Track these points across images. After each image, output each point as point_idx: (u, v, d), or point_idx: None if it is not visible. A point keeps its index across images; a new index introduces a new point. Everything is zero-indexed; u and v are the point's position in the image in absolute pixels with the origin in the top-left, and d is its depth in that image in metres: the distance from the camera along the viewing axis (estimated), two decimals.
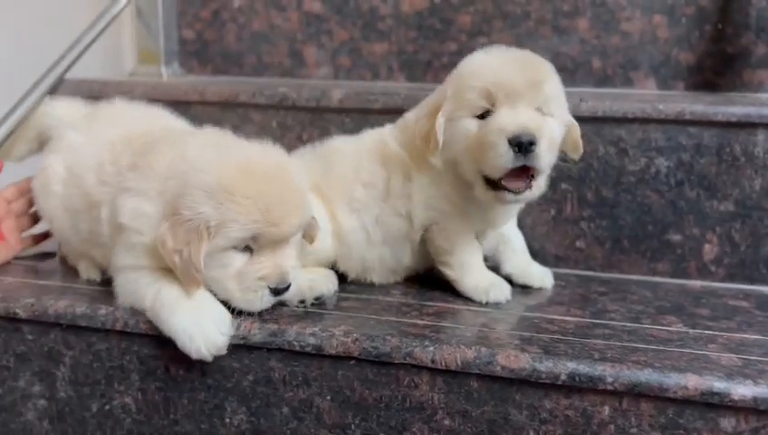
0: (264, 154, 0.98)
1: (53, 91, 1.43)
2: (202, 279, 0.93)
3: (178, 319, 0.94)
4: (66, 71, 1.43)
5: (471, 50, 1.68)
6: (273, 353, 0.96)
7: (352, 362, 0.94)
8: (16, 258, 1.23)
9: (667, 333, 0.97)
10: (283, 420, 0.97)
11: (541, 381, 0.87)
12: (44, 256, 1.25)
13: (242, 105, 1.37)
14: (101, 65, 1.79)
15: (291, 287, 0.97)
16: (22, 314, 1.03)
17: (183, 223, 0.91)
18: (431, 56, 1.69)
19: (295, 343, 0.94)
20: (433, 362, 0.90)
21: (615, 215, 1.24)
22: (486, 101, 1.00)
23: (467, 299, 1.09)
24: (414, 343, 0.91)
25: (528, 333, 0.95)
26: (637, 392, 0.85)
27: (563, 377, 0.87)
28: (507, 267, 1.18)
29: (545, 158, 0.98)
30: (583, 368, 0.86)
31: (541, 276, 1.17)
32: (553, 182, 1.25)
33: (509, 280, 1.14)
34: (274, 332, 0.95)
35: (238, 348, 0.97)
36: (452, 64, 1.69)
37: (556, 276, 1.23)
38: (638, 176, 1.22)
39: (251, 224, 0.91)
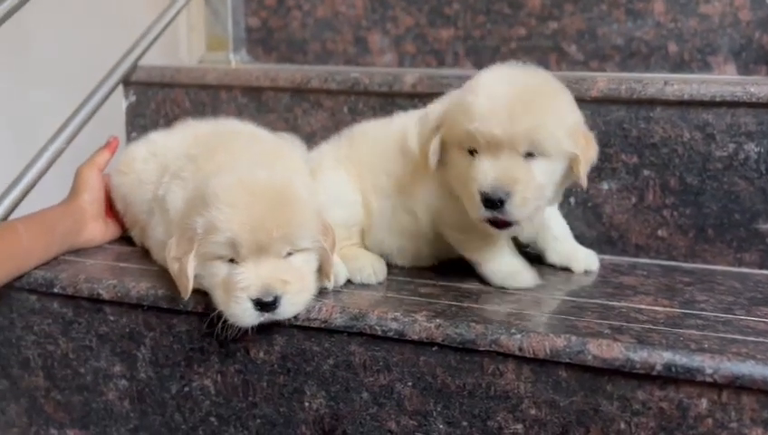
0: (272, 173, 0.96)
1: (127, 77, 1.46)
2: (191, 288, 0.94)
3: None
4: (140, 57, 1.45)
5: (541, 35, 1.66)
6: (353, 338, 0.95)
7: (435, 348, 0.92)
8: None
9: (764, 325, 0.93)
10: (363, 405, 0.96)
11: (634, 371, 0.84)
12: (121, 240, 1.27)
13: (313, 91, 1.36)
14: (156, 54, 1.81)
15: (282, 303, 0.92)
16: (105, 295, 1.05)
17: (184, 233, 0.94)
18: (499, 41, 1.66)
19: (377, 327, 0.93)
20: (520, 350, 0.88)
21: (700, 203, 1.19)
22: (471, 141, 0.97)
23: (551, 287, 1.06)
24: (500, 331, 0.89)
25: (617, 323, 0.92)
26: (738, 385, 0.81)
27: (659, 367, 0.83)
28: (551, 255, 1.15)
29: (518, 212, 0.95)
30: (680, 358, 0.83)
31: (586, 261, 1.14)
32: (635, 169, 1.21)
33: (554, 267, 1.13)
34: (356, 315, 0.94)
35: (319, 331, 0.96)
36: (521, 50, 1.67)
37: (636, 266, 1.19)
38: (725, 162, 1.17)
39: (228, 231, 0.90)
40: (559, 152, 0.98)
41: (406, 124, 1.13)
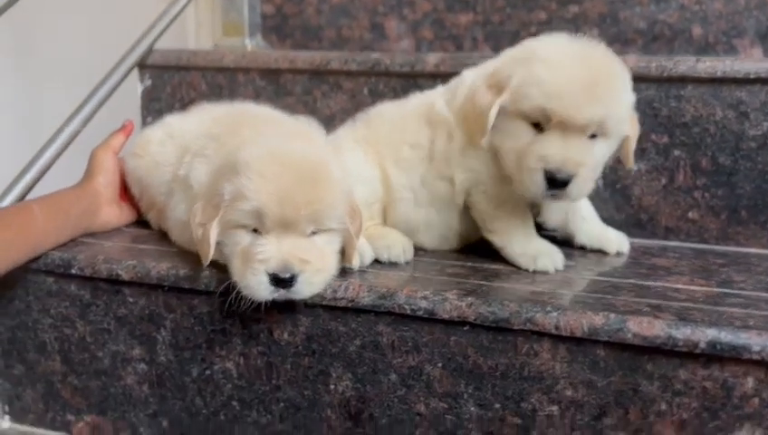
0: (306, 148, 0.94)
1: (143, 61, 1.43)
2: (211, 253, 0.92)
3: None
4: (156, 41, 1.42)
5: (561, 19, 1.63)
6: (381, 317, 0.92)
7: (466, 327, 0.89)
8: None
9: None
10: (391, 387, 0.93)
11: (677, 349, 0.81)
12: (137, 223, 1.24)
13: (333, 72, 1.34)
14: (162, 42, 1.79)
15: (299, 282, 0.89)
16: (124, 275, 1.02)
17: (210, 199, 0.92)
18: (519, 26, 1.64)
19: (406, 306, 0.90)
20: (557, 328, 0.85)
21: (732, 183, 1.16)
22: (541, 116, 0.95)
23: (580, 268, 1.03)
24: (535, 308, 0.86)
25: (655, 301, 0.89)
26: None
27: (702, 345, 0.80)
28: (581, 237, 1.13)
29: (577, 192, 0.96)
30: (725, 335, 0.80)
31: (618, 241, 1.12)
32: (665, 149, 1.18)
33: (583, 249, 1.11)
34: (384, 294, 0.91)
35: (345, 311, 0.93)
36: (541, 34, 1.64)
37: (667, 249, 1.16)
38: (759, 141, 1.14)
39: (255, 200, 0.87)
40: (619, 134, 0.98)
41: (429, 96, 1.12)
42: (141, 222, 1.23)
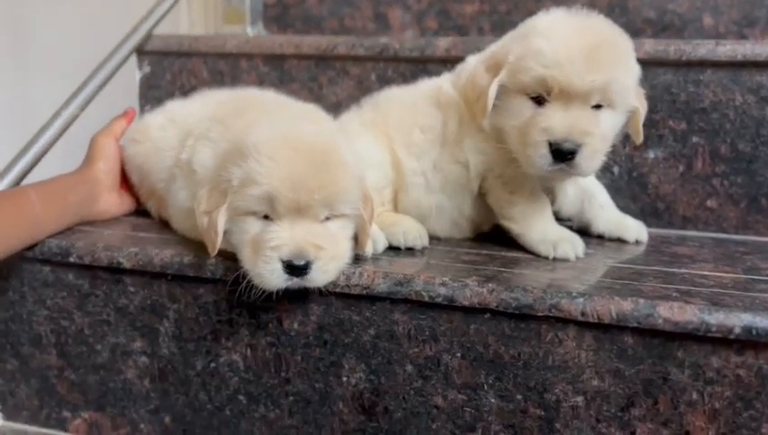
0: (317, 131, 0.90)
1: (141, 46, 1.39)
2: (219, 243, 0.87)
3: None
4: (155, 26, 1.38)
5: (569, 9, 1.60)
6: (397, 305, 0.88)
7: (487, 315, 0.85)
8: None
9: None
10: (407, 378, 0.89)
11: (709, 335, 0.77)
12: (139, 212, 1.19)
13: (339, 58, 1.30)
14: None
15: (313, 269, 0.85)
16: (126, 263, 0.97)
17: (217, 185, 0.88)
18: (526, 15, 1.58)
19: (424, 293, 0.86)
20: (583, 314, 0.81)
21: (752, 171, 1.13)
22: (542, 88, 0.92)
23: (602, 256, 1.00)
24: (560, 294, 0.82)
25: (684, 287, 0.85)
26: None
27: (737, 330, 0.76)
28: (599, 225, 1.09)
29: (587, 165, 0.92)
30: (761, 321, 0.76)
31: (637, 229, 1.09)
32: (683, 135, 1.15)
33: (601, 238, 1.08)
34: (400, 281, 0.87)
35: (359, 299, 0.89)
36: None
37: (686, 238, 1.13)
38: None
39: (267, 185, 0.83)
40: (625, 105, 0.95)
41: (438, 80, 1.10)
42: (143, 211, 1.19)
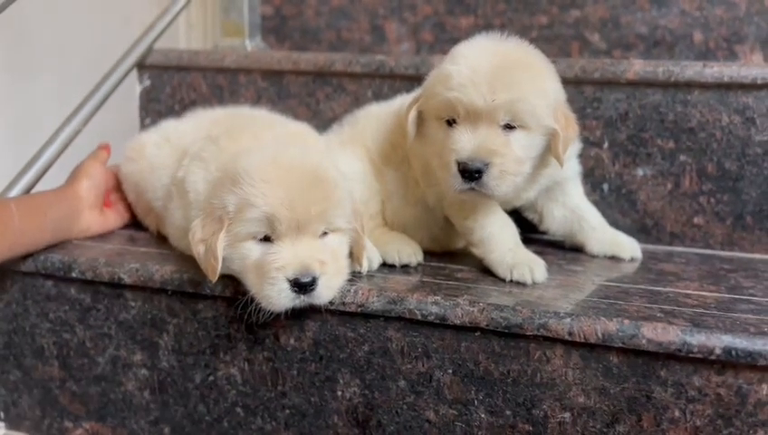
0: (304, 153, 0.93)
1: (142, 61, 1.41)
2: (219, 269, 0.89)
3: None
4: (155, 40, 1.40)
5: (563, 24, 1.63)
6: (390, 323, 0.91)
7: (477, 333, 0.88)
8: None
9: None
10: (400, 393, 0.92)
11: (691, 355, 0.80)
12: (138, 226, 1.22)
13: (336, 74, 1.32)
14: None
15: (319, 285, 0.86)
16: (127, 279, 1.00)
17: (210, 213, 0.90)
18: (520, 30, 1.63)
19: (417, 311, 0.89)
20: (570, 334, 0.84)
21: (738, 189, 1.16)
22: (451, 110, 0.94)
23: (590, 273, 1.03)
24: (548, 314, 0.85)
25: (668, 307, 0.88)
26: None
27: (718, 351, 0.79)
28: (593, 247, 1.11)
29: (496, 185, 0.92)
30: (740, 342, 0.79)
31: (631, 247, 1.11)
32: (671, 154, 1.18)
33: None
34: (394, 299, 0.90)
35: (354, 316, 0.92)
36: (542, 38, 1.64)
37: (673, 254, 1.15)
38: (765, 147, 1.14)
39: (265, 206, 0.86)
40: (538, 126, 0.95)
41: (407, 99, 1.10)
42: (142, 225, 1.21)
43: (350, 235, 0.94)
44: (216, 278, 0.91)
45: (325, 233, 0.91)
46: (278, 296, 0.86)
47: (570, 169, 1.09)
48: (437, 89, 0.95)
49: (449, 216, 1.04)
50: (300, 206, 0.86)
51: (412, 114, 0.99)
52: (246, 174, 0.88)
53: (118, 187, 1.20)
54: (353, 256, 0.95)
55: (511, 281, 0.97)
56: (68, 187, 1.13)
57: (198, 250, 0.91)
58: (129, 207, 1.21)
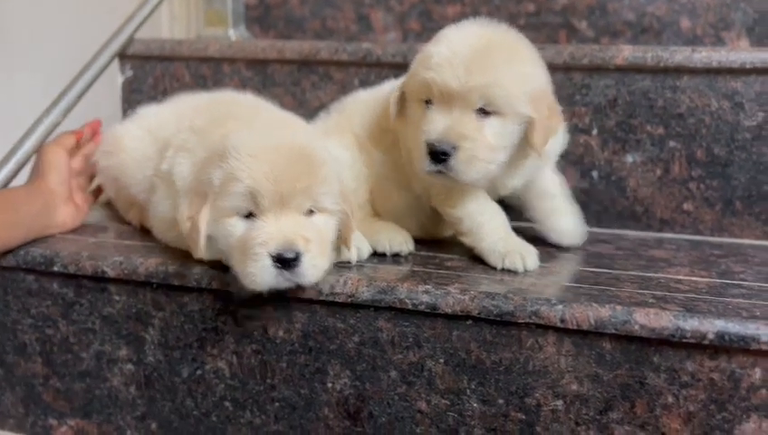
0: (292, 132, 0.92)
1: (124, 51, 1.38)
2: (203, 244, 0.88)
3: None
4: (137, 30, 1.38)
5: (550, 11, 1.62)
6: (381, 313, 0.90)
7: (469, 321, 0.87)
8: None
9: None
10: (391, 384, 0.91)
11: (684, 340, 0.80)
12: (119, 218, 1.19)
13: (322, 63, 1.30)
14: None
15: (303, 262, 0.84)
16: (110, 272, 0.98)
17: (196, 190, 0.89)
18: (507, 18, 1.59)
19: (407, 300, 0.88)
20: (562, 321, 0.83)
21: (727, 174, 1.15)
22: (427, 91, 0.93)
23: (580, 261, 1.02)
24: (540, 301, 0.84)
25: (660, 292, 0.87)
26: None
27: (711, 336, 0.79)
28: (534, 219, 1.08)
29: (464, 169, 0.91)
30: (733, 326, 0.79)
31: (571, 236, 1.07)
32: (660, 140, 1.17)
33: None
34: (384, 289, 0.89)
35: (344, 307, 0.90)
36: (529, 26, 1.63)
37: (663, 241, 1.15)
38: (754, 132, 1.14)
39: (248, 179, 0.84)
40: (514, 113, 0.92)
41: (395, 84, 1.09)
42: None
43: (339, 217, 0.92)
44: (200, 254, 0.89)
45: (312, 212, 0.89)
46: (261, 273, 0.84)
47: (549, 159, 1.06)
48: (418, 69, 0.95)
49: (436, 205, 1.03)
50: (284, 180, 0.84)
51: (395, 94, 0.99)
52: (234, 149, 0.87)
53: (75, 173, 1.15)
54: (342, 238, 0.94)
55: (503, 269, 0.96)
56: (40, 182, 1.08)
57: (185, 227, 0.89)
58: (89, 196, 1.17)
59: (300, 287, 0.88)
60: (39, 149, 1.12)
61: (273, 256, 0.84)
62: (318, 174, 0.88)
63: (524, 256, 0.96)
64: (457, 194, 0.99)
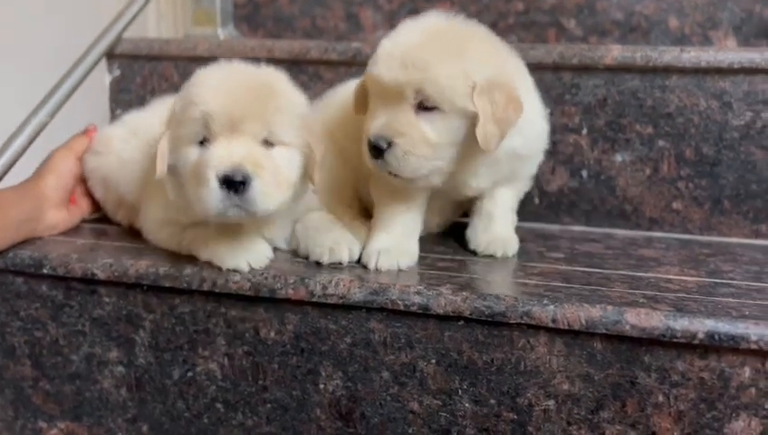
0: (258, 69, 0.94)
1: (111, 50, 1.37)
2: (165, 167, 0.90)
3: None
4: (124, 29, 1.36)
5: (539, 10, 1.62)
6: (373, 314, 0.90)
7: (461, 322, 0.87)
8: (83, 221, 1.16)
9: None
10: (383, 385, 0.91)
11: (674, 340, 0.80)
12: (109, 220, 1.19)
13: (312, 62, 1.30)
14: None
15: (253, 187, 0.83)
16: (100, 274, 0.97)
17: (166, 124, 0.92)
18: (496, 17, 1.62)
19: (399, 301, 0.88)
20: (554, 321, 0.83)
21: (716, 174, 1.16)
22: (372, 87, 0.93)
23: (571, 261, 1.02)
24: (531, 302, 0.84)
25: (650, 292, 0.88)
26: None
27: (701, 336, 0.79)
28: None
29: (399, 164, 0.90)
30: (723, 326, 0.79)
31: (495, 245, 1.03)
32: (649, 139, 1.18)
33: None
34: (375, 290, 0.89)
35: (335, 308, 0.90)
36: (518, 25, 1.63)
37: (652, 240, 1.16)
38: (742, 131, 1.15)
39: (202, 104, 0.86)
40: (453, 108, 0.90)
41: None
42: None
43: (302, 153, 0.92)
44: (162, 176, 0.90)
45: (272, 145, 0.89)
46: (209, 197, 0.84)
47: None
48: (369, 63, 0.94)
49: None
50: (237, 104, 0.86)
51: (356, 87, 0.98)
52: (197, 78, 0.91)
53: (83, 179, 1.15)
54: (307, 175, 0.93)
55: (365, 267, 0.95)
56: (32, 184, 1.07)
57: (159, 162, 0.90)
58: (93, 202, 1.16)
59: (249, 213, 0.85)
60: (51, 151, 1.11)
61: (219, 178, 0.83)
62: (273, 102, 0.88)
63: (390, 258, 0.95)
64: (378, 187, 1.00)
